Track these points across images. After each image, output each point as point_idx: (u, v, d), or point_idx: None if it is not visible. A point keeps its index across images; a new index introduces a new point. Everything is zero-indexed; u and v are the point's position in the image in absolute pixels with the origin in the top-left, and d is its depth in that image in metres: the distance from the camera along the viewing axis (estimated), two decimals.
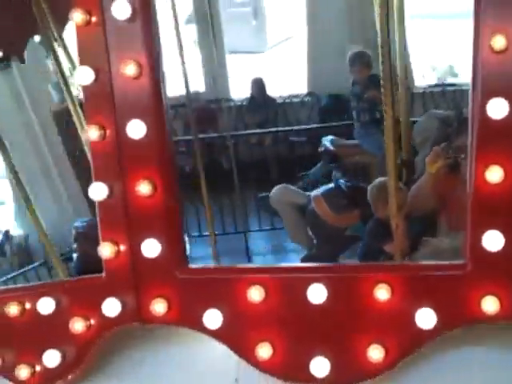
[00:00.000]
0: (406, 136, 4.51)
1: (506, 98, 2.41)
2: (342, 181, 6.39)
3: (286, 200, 7.09)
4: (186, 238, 3.02)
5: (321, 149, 9.22)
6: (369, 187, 5.07)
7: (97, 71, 2.68)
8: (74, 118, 5.09)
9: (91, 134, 2.71)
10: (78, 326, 2.87)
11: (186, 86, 4.73)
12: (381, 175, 4.81)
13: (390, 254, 4.27)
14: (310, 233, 7.18)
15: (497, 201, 2.46)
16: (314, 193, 6.92)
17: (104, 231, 2.82)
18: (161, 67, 2.70)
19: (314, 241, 7.09)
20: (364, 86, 5.58)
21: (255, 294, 2.72)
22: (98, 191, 2.76)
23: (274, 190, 7.28)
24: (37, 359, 2.98)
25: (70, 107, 5.12)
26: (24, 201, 4.12)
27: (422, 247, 4.52)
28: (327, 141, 8.35)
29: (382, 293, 2.63)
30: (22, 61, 5.43)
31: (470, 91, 2.48)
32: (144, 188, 2.71)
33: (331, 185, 6.72)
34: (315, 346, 2.72)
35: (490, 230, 2.48)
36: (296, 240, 7.16)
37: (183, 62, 4.55)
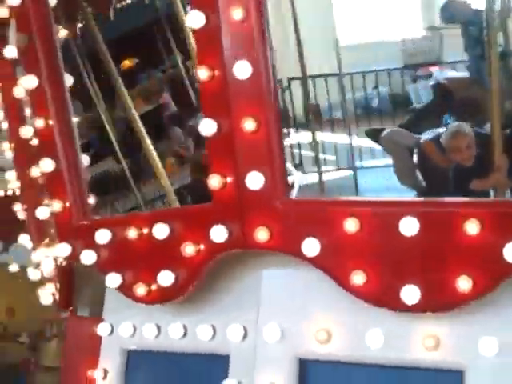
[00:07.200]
0: None
1: None
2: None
3: (396, 140, 7.20)
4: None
5: (432, 82, 9.20)
6: None
7: (207, 15, 2.89)
8: None
9: (201, 74, 2.94)
10: (188, 249, 3.14)
11: None
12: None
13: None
14: (420, 175, 7.26)
15: None
16: (424, 137, 6.98)
17: (213, 164, 3.06)
18: (266, 12, 2.88)
19: (423, 183, 7.17)
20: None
21: (351, 224, 2.88)
22: (208, 127, 3.00)
23: (386, 131, 7.44)
24: (152, 279, 3.29)
25: None
26: None
27: None
28: (439, 74, 8.31)
29: (472, 227, 2.72)
30: None
31: None
32: (249, 124, 2.92)
33: (440, 129, 6.76)
34: (406, 275, 2.86)
35: None
36: (404, 181, 7.26)
37: None
